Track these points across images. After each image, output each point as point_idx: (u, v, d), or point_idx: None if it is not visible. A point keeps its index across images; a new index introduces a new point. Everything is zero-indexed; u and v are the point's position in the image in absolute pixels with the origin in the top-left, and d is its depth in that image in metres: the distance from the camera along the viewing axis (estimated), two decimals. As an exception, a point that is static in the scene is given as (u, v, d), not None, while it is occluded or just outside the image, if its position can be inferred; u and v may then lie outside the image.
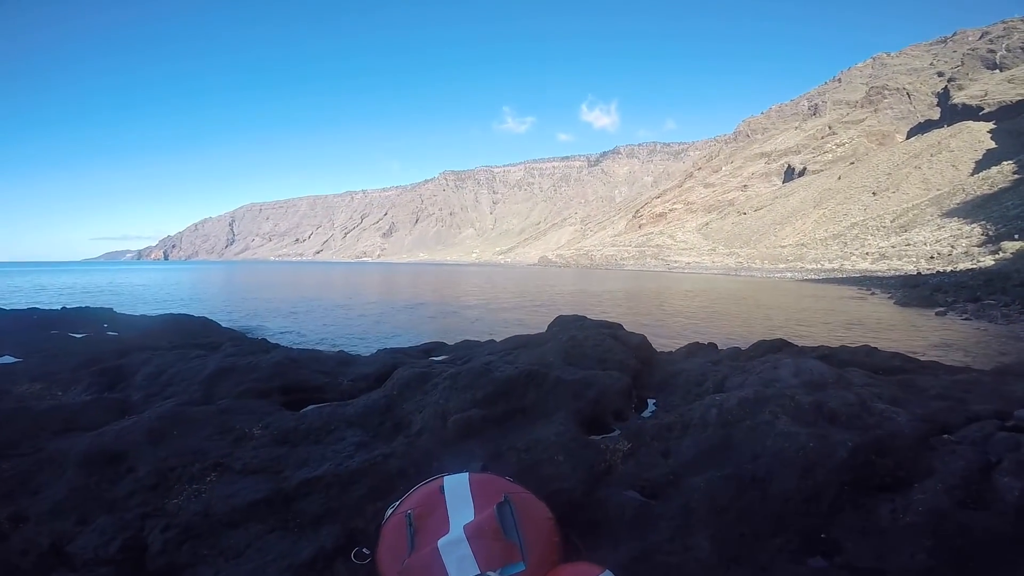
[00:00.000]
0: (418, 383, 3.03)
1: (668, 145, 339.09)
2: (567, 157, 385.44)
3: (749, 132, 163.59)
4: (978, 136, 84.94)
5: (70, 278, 51.26)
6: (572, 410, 2.79)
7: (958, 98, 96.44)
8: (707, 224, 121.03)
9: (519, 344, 5.38)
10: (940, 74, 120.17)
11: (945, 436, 2.57)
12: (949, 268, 38.91)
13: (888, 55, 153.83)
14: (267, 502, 2.16)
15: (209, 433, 2.67)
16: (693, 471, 2.19)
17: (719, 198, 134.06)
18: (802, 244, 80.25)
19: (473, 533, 1.66)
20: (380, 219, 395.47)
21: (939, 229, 60.09)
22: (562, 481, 2.19)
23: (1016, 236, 43.72)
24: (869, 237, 70.26)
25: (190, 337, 6.49)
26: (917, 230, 64.22)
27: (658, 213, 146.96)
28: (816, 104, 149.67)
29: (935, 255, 50.17)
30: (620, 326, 5.25)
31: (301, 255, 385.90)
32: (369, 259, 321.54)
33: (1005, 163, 68.17)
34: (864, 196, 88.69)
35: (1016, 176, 62.96)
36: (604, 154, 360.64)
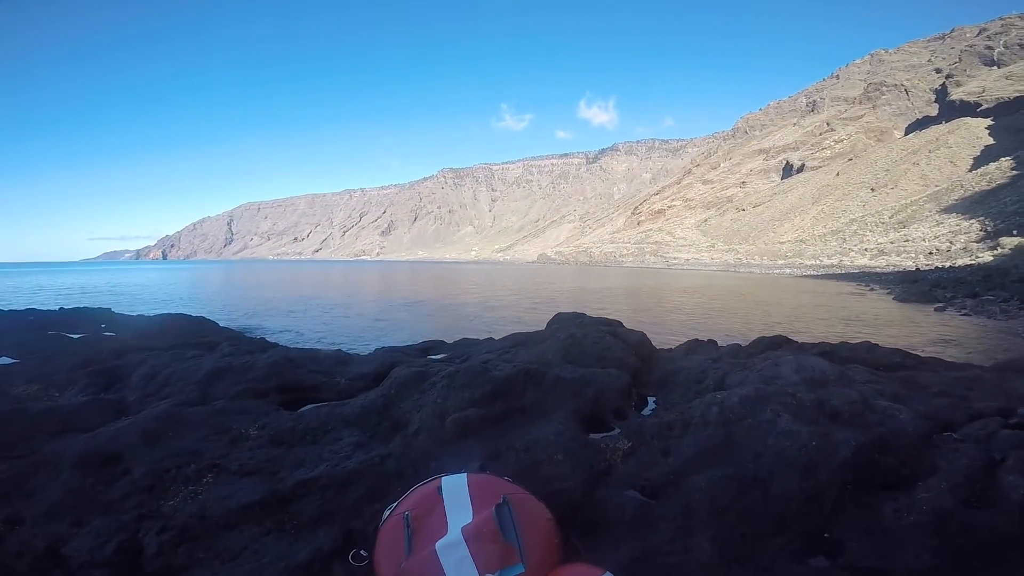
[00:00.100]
0: (416, 382, 3.00)
1: (667, 142, 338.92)
2: (566, 154, 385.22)
3: (748, 129, 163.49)
4: (976, 132, 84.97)
5: (68, 278, 51.14)
6: (571, 409, 2.77)
7: (956, 95, 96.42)
8: (706, 221, 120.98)
9: (518, 342, 5.35)
10: (938, 71, 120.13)
11: (948, 434, 2.55)
12: (948, 264, 38.94)
13: (886, 52, 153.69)
14: (263, 504, 2.14)
15: (205, 434, 2.64)
16: (694, 470, 2.17)
17: (718, 195, 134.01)
18: (801, 240, 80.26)
19: (471, 535, 1.64)
20: (379, 217, 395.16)
21: (937, 225, 60.12)
22: (561, 481, 2.17)
23: (1014, 232, 43.76)
24: (868, 233, 70.28)
25: (188, 337, 6.46)
26: (916, 226, 64.24)
27: (657, 210, 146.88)
28: (814, 101, 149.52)
29: (934, 251, 50.21)
30: (619, 323, 5.23)
31: (300, 254, 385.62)
32: (368, 257, 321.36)
33: (1003, 159, 68.19)
34: (862, 192, 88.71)
35: (1014, 172, 62.98)
36: (603, 151, 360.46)
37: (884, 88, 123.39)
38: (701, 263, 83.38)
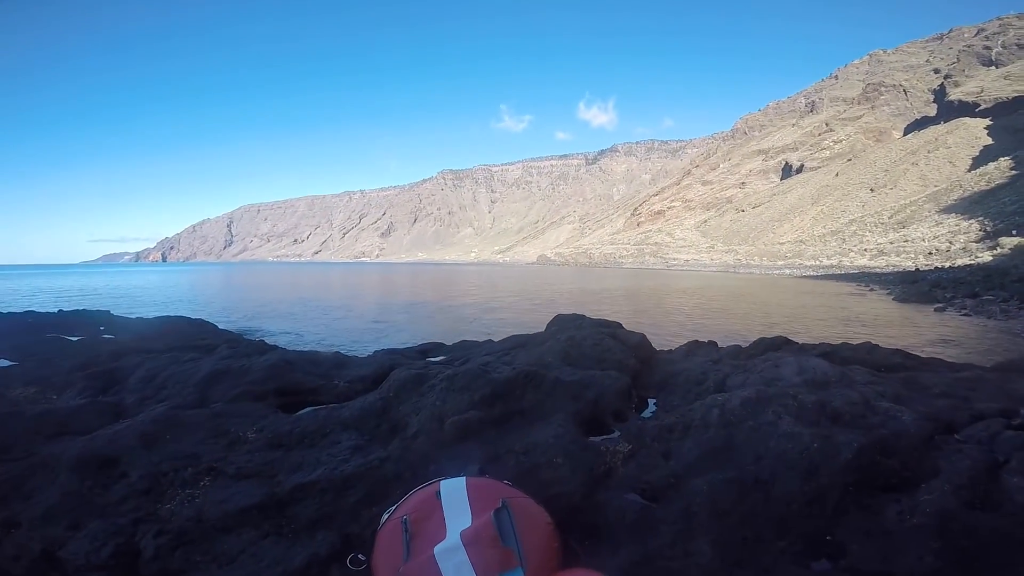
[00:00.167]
0: (415, 385, 2.98)
1: (666, 143, 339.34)
2: (565, 155, 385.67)
3: (747, 129, 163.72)
4: (975, 132, 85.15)
5: (68, 280, 51.13)
6: (571, 411, 2.75)
7: (954, 95, 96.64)
8: (705, 221, 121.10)
9: (517, 344, 5.33)
10: (936, 71, 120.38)
11: (951, 435, 2.54)
12: (947, 264, 38.98)
13: (885, 52, 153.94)
14: (261, 507, 2.12)
15: (203, 437, 2.62)
16: (695, 473, 2.15)
17: (717, 195, 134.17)
18: (800, 241, 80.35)
19: (470, 540, 1.62)
20: (378, 219, 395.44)
21: (937, 225, 60.20)
22: (561, 484, 2.15)
23: (1014, 232, 43.81)
24: (867, 234, 70.36)
25: (187, 339, 6.44)
26: (915, 226, 64.33)
27: (656, 211, 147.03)
28: (813, 101, 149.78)
29: (933, 251, 50.28)
30: (619, 325, 5.21)
31: (300, 256, 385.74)
32: (368, 259, 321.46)
33: (1002, 159, 68.32)
34: (862, 193, 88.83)
35: (1013, 172, 63.09)
36: (602, 152, 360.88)
37: (883, 88, 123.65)
38: (701, 264, 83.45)
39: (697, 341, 5.67)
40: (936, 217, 63.67)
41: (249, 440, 2.62)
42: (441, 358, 5.47)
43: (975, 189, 65.54)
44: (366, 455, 2.40)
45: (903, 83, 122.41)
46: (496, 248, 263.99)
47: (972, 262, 36.88)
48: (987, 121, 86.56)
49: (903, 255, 53.43)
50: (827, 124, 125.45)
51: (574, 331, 4.62)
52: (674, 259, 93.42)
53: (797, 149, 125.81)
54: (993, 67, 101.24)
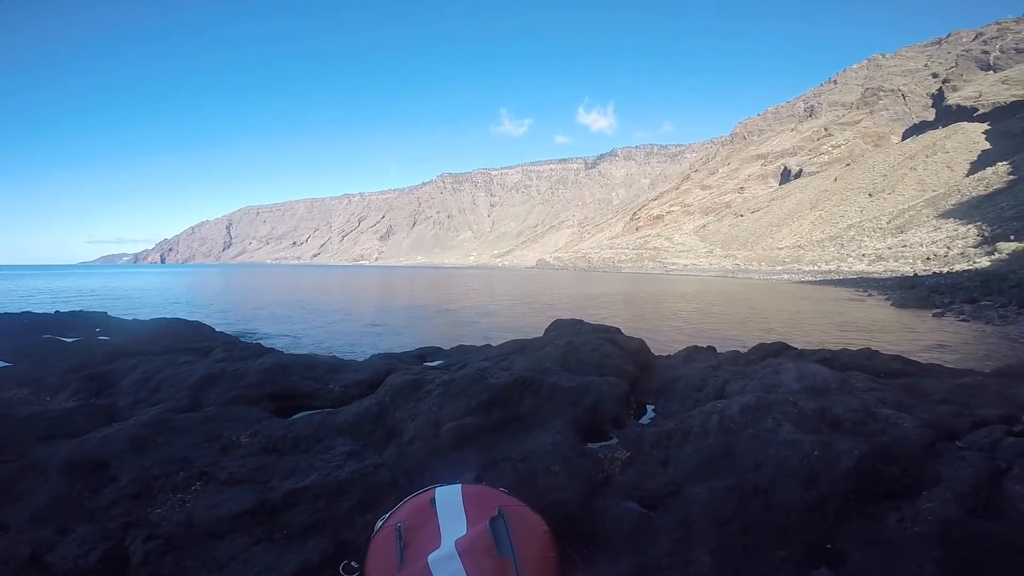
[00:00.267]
0: (411, 390, 2.95)
1: (665, 147, 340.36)
2: (564, 159, 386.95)
3: (746, 134, 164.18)
4: (973, 137, 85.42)
5: (66, 281, 51.02)
6: (569, 418, 2.72)
7: (953, 99, 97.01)
8: (704, 226, 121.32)
9: (515, 349, 5.31)
10: (935, 75, 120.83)
11: (952, 442, 2.52)
12: (945, 269, 39.04)
13: (883, 56, 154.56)
14: (253, 513, 2.11)
15: (195, 441, 2.60)
16: (694, 481, 2.13)
17: (716, 200, 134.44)
18: (799, 246, 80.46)
19: (465, 549, 1.59)
20: (378, 222, 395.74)
21: (935, 230, 60.32)
22: (559, 492, 2.12)
23: (1012, 237, 43.89)
24: (865, 239, 70.49)
25: (183, 342, 6.39)
26: (913, 231, 64.46)
27: (655, 215, 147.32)
28: (812, 106, 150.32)
29: (931, 256, 50.36)
30: (618, 330, 5.19)
31: (298, 258, 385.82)
32: (367, 262, 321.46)
33: (1000, 164, 68.53)
34: (860, 198, 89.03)
35: (1011, 177, 63.28)
36: (601, 156, 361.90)
37: (881, 93, 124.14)
38: (699, 269, 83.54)
39: (696, 346, 5.65)
40: (934, 222, 63.81)
41: (242, 445, 2.60)
42: (438, 363, 5.44)
43: (973, 194, 65.72)
44: (361, 461, 2.37)
45: (902, 88, 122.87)
46: (495, 252, 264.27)
47: (970, 267, 36.95)
48: (985, 126, 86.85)
49: (901, 260, 53.51)
50: (826, 129, 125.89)
51: (572, 336, 4.59)
52: (673, 264, 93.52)
53: (796, 154, 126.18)
54: (991, 71, 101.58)
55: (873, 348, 4.96)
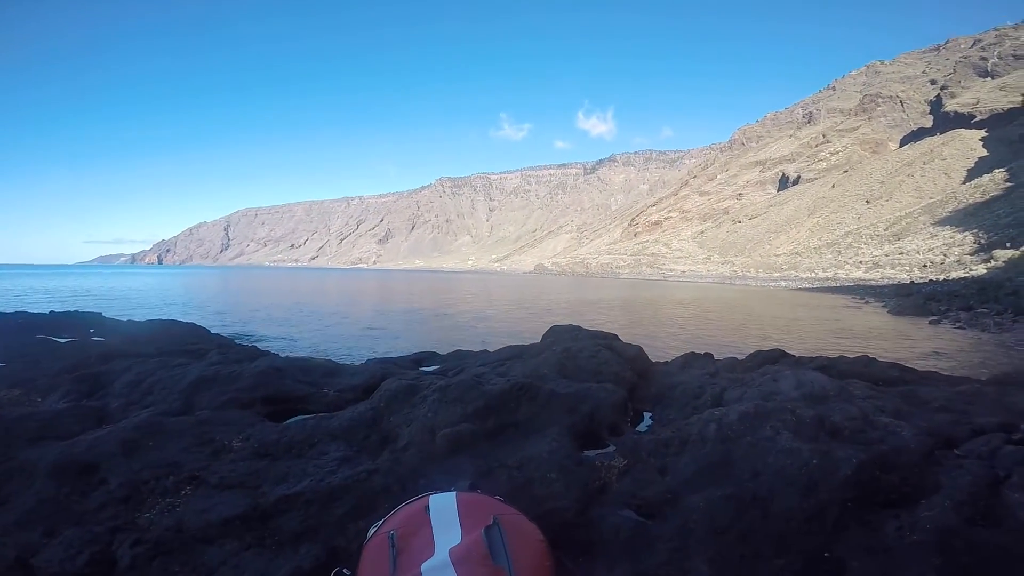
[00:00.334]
0: (406, 396, 2.92)
1: (664, 153, 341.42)
2: (563, 164, 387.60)
3: (744, 140, 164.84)
4: (970, 144, 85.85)
5: (62, 281, 50.82)
6: (566, 425, 2.70)
7: (950, 106, 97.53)
8: (702, 232, 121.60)
9: (512, 355, 5.28)
10: (933, 82, 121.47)
11: (951, 450, 2.51)
12: (942, 277, 39.17)
13: (882, 63, 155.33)
14: (244, 518, 2.08)
15: (186, 445, 2.57)
16: (691, 489, 2.11)
17: (714, 206, 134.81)
18: (796, 253, 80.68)
19: (459, 558, 1.56)
20: (376, 225, 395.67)
21: (932, 237, 60.56)
22: (555, 500, 2.10)
23: (1008, 244, 44.08)
24: (863, 246, 70.74)
25: (178, 343, 6.34)
26: (910, 238, 64.71)
27: (653, 221, 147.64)
28: (811, 112, 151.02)
29: (928, 263, 50.53)
30: (616, 337, 5.17)
31: (296, 261, 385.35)
32: (365, 266, 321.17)
33: (997, 171, 68.88)
34: (858, 204, 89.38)
35: (1008, 184, 63.60)
36: (600, 162, 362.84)
37: (879, 100, 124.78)
38: (697, 275, 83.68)
39: (693, 353, 5.63)
40: (931, 229, 64.07)
41: (234, 449, 2.57)
42: (435, 368, 5.41)
43: (970, 201, 66.04)
44: (354, 467, 2.34)
45: (900, 94, 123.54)
46: (493, 256, 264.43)
47: (966, 275, 37.06)
48: (982, 132, 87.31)
49: (898, 267, 53.69)
50: (824, 135, 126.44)
51: (570, 343, 4.57)
52: (671, 270, 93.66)
53: (794, 160, 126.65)
54: (989, 78, 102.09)
55: (870, 356, 4.95)
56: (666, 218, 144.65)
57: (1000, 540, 1.73)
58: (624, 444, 2.63)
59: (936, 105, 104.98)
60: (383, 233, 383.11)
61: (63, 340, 7.25)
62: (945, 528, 1.78)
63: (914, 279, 41.73)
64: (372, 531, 1.82)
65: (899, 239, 66.61)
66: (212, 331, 8.77)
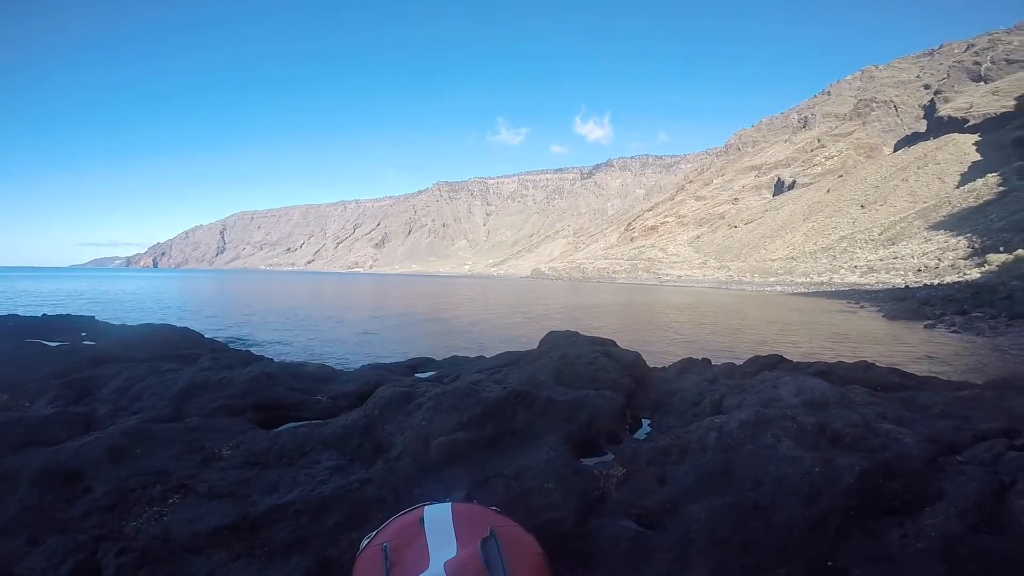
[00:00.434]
0: (401, 403, 2.87)
1: (660, 158, 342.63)
2: (560, 169, 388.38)
3: (740, 145, 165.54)
4: (964, 148, 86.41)
5: (56, 284, 50.51)
6: (563, 433, 2.66)
7: (944, 110, 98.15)
8: (698, 237, 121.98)
9: (509, 361, 5.24)
10: (927, 87, 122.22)
11: (953, 456, 2.49)
12: (936, 281, 39.33)
13: (876, 68, 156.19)
14: (233, 528, 2.05)
15: (175, 452, 2.52)
16: (692, 499, 2.08)
17: (710, 211, 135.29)
18: (792, 257, 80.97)
19: (455, 571, 1.51)
20: (373, 229, 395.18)
21: (926, 242, 60.88)
22: (553, 511, 2.06)
23: (1001, 248, 44.31)
24: (857, 250, 71.05)
25: (170, 348, 6.28)
26: (904, 243, 65.03)
27: (650, 226, 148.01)
28: (806, 117, 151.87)
29: (922, 268, 50.76)
30: (613, 342, 5.14)
31: (292, 265, 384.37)
32: (361, 270, 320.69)
33: (990, 175, 69.34)
34: (852, 209, 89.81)
35: (1001, 188, 64.04)
36: (597, 166, 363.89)
37: (874, 104, 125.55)
38: (693, 280, 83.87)
39: (691, 358, 5.61)
40: (925, 234, 64.41)
41: (224, 457, 2.52)
42: (430, 374, 5.36)
43: (963, 205, 66.44)
44: (347, 476, 2.30)
45: (894, 99, 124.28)
46: (490, 261, 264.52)
47: (960, 279, 37.23)
48: (976, 137, 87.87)
49: (893, 272, 53.92)
50: (819, 140, 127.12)
51: (567, 349, 4.53)
52: (667, 275, 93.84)
53: (789, 165, 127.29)
54: (982, 83, 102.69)
55: (868, 360, 4.93)
56: (662, 223, 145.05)
57: (1006, 547, 1.72)
58: (623, 452, 2.59)
59: (930, 110, 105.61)
60: (380, 237, 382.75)
61: (54, 344, 7.16)
62: (950, 536, 1.76)
63: (909, 283, 41.92)
64: (365, 543, 1.77)
65: (894, 243, 66.94)
66: (206, 335, 8.70)
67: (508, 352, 5.95)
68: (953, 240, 55.88)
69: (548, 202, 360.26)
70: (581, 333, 5.61)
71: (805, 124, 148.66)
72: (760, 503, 1.96)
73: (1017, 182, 62.18)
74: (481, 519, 1.74)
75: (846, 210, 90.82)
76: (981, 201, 64.23)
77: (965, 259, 47.84)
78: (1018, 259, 38.19)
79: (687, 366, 5.22)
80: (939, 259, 51.75)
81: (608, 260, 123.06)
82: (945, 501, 1.96)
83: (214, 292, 43.08)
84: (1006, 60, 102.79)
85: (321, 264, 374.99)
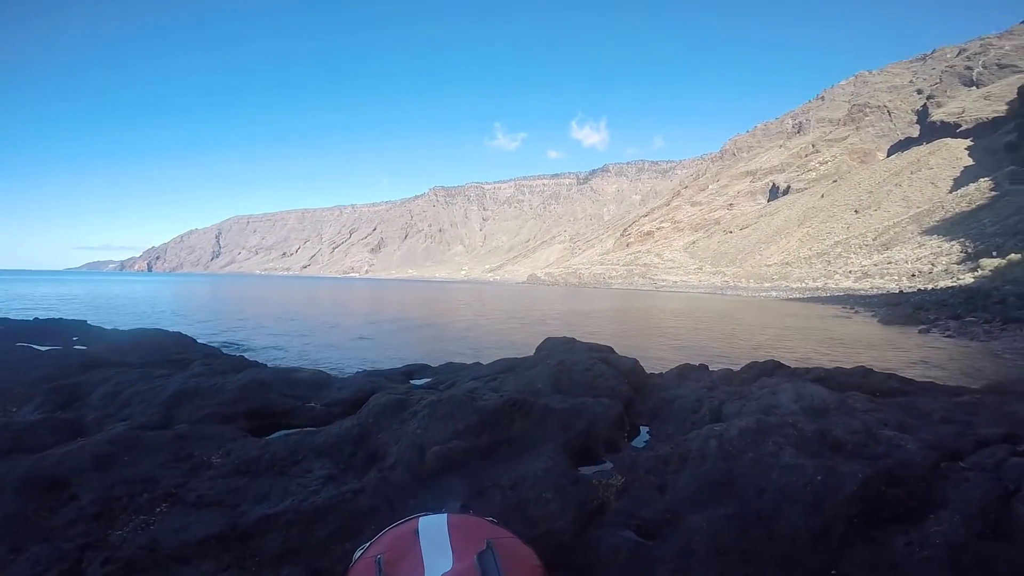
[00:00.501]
0: (395, 411, 2.82)
1: (656, 163, 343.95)
2: (557, 174, 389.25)
3: (735, 150, 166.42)
4: (956, 153, 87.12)
5: (49, 287, 50.17)
6: (561, 442, 2.61)
7: (936, 115, 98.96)
8: (694, 243, 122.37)
9: (506, 368, 5.19)
10: (919, 91, 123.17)
11: (956, 463, 2.47)
12: (930, 286, 39.56)
13: (870, 73, 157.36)
14: (222, 538, 2.01)
15: (163, 460, 2.47)
16: (693, 508, 2.04)
17: (705, 216, 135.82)
18: (787, 263, 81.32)
19: (450, 584, 1.46)
20: (369, 234, 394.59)
21: (920, 247, 61.26)
22: (551, 521, 2.02)
23: (994, 253, 44.64)
24: (852, 255, 71.41)
25: (162, 353, 6.20)
26: (898, 248, 65.41)
27: (646, 231, 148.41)
28: (800, 122, 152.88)
29: (916, 273, 51.05)
30: (611, 349, 5.10)
31: (288, 269, 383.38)
32: (357, 275, 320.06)
33: (983, 180, 69.89)
34: (847, 214, 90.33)
35: (993, 193, 64.56)
36: (593, 172, 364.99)
37: (867, 109, 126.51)
38: (689, 285, 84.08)
39: (688, 364, 5.58)
40: (919, 239, 64.82)
41: (213, 465, 2.47)
42: (426, 381, 5.31)
43: (957, 210, 66.91)
44: (339, 486, 2.25)
45: (887, 104, 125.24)
46: (486, 266, 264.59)
47: (954, 284, 37.46)
48: (968, 142, 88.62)
49: (887, 277, 54.21)
50: (813, 145, 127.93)
51: (565, 355, 4.49)
52: (663, 280, 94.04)
53: (784, 170, 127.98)
54: (974, 87, 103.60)
55: (864, 365, 4.92)
56: (658, 228, 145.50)
57: (1012, 555, 1.71)
58: (622, 461, 2.55)
59: (922, 114, 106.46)
60: (376, 242, 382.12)
61: (44, 348, 7.07)
62: (955, 543, 1.75)
63: (903, 288, 42.15)
64: (358, 554, 1.72)
65: (888, 248, 67.33)
66: (200, 340, 8.62)
67: (504, 359, 5.91)
68: (947, 245, 56.27)
69: (544, 207, 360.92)
70: (578, 339, 5.58)
71: (799, 129, 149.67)
72: (763, 512, 1.93)
73: (1009, 187, 62.72)
74: (478, 530, 1.70)
75: (840, 215, 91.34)
76: (974, 206, 64.73)
77: (959, 264, 48.17)
78: (1011, 263, 38.48)
79: (685, 372, 5.19)
80: (933, 264, 52.07)
81: (604, 266, 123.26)
82: (949, 508, 1.94)
83: (209, 296, 42.86)
84: (997, 65, 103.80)
85: (317, 269, 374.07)
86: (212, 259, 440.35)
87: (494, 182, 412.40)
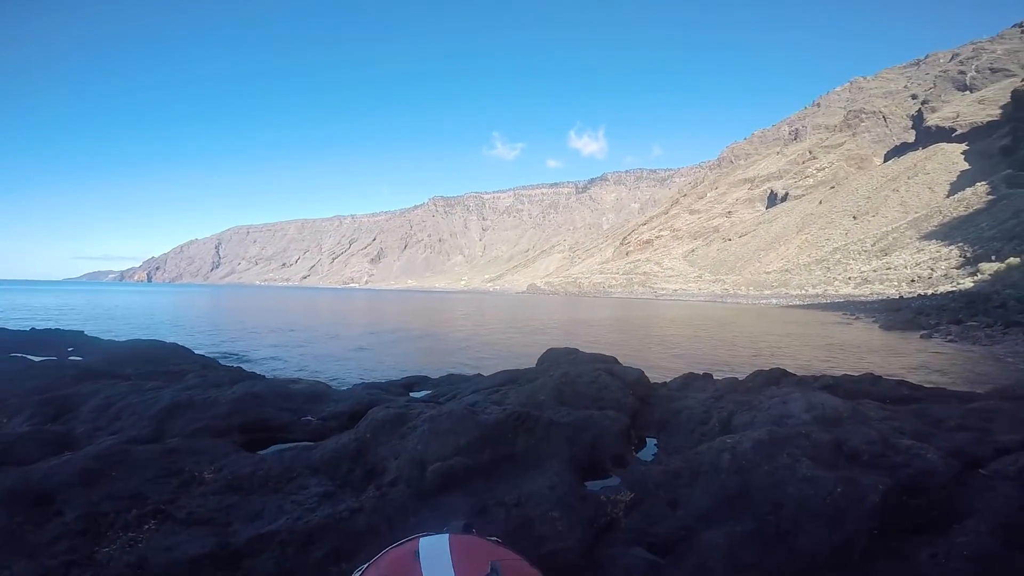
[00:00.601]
0: (394, 425, 2.72)
1: (654, 171, 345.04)
2: (556, 184, 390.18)
3: (733, 158, 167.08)
4: (952, 158, 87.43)
5: (47, 298, 50.00)
6: (567, 457, 2.51)
7: (932, 120, 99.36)
8: (693, 251, 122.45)
9: (507, 380, 5.07)
10: (914, 96, 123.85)
11: (976, 470, 2.39)
12: (930, 291, 39.51)
13: (864, 79, 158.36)
14: (212, 557, 1.92)
15: (152, 475, 2.37)
16: (707, 524, 1.94)
17: (704, 224, 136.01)
18: (786, 270, 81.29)
19: (453, 610, 1.37)
20: (368, 244, 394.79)
21: (918, 252, 61.27)
22: (558, 541, 1.92)
23: (993, 257, 44.64)
24: (851, 261, 71.40)
25: (158, 364, 6.10)
26: (897, 253, 65.43)
27: (645, 240, 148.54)
28: (797, 129, 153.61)
29: (915, 278, 51.01)
30: (615, 359, 5.00)
31: (288, 280, 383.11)
32: (356, 285, 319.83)
33: (979, 184, 70.06)
34: (845, 220, 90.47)
35: (990, 197, 64.68)
36: (592, 181, 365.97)
37: (863, 115, 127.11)
38: (689, 294, 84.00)
39: (692, 373, 5.49)
40: (917, 244, 64.85)
41: (205, 481, 2.37)
42: (425, 393, 5.20)
43: (954, 215, 67.01)
44: (335, 504, 2.16)
45: (883, 109, 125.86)
46: (486, 276, 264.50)
47: (954, 288, 37.40)
48: (963, 146, 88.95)
49: (887, 283, 54.15)
50: (810, 152, 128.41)
51: (568, 367, 4.38)
52: (662, 288, 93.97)
53: (782, 177, 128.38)
54: (968, 92, 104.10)
55: (871, 372, 4.83)
56: (657, 237, 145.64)
57: None
58: (630, 475, 2.45)
59: (918, 120, 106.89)
60: (375, 252, 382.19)
61: (38, 359, 6.97)
62: (983, 553, 1.69)
63: (903, 294, 42.09)
64: (355, 576, 1.63)
65: (886, 254, 67.33)
66: (199, 350, 8.54)
67: (506, 370, 5.80)
68: (945, 250, 56.29)
69: (544, 217, 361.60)
70: (580, 349, 5.47)
71: (796, 136, 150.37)
72: (781, 527, 1.84)
73: (1006, 190, 62.87)
74: (481, 552, 1.60)
75: (838, 221, 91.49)
76: (971, 210, 64.85)
77: (958, 268, 48.16)
78: (1010, 267, 38.45)
79: (688, 381, 5.09)
80: (932, 269, 52.06)
81: (604, 274, 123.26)
82: (975, 518, 1.88)
83: (208, 307, 42.72)
84: (990, 69, 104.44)
85: (316, 279, 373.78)
86: (212, 270, 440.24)
87: (493, 192, 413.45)
